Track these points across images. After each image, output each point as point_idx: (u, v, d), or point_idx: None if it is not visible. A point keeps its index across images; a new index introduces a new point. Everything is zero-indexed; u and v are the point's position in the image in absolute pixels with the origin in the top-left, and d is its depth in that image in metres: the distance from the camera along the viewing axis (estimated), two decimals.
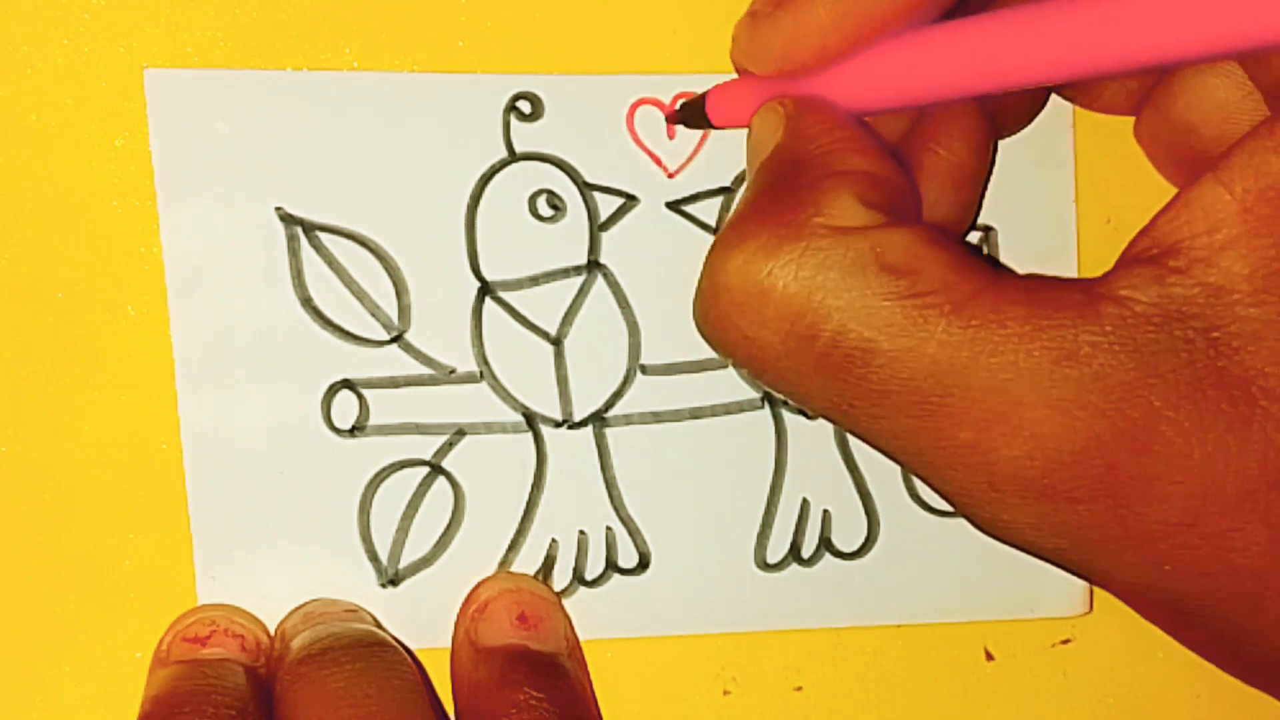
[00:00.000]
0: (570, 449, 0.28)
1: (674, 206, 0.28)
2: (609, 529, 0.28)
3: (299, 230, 0.27)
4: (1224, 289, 0.19)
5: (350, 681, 0.24)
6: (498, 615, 0.27)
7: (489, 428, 0.28)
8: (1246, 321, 0.19)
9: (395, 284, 0.27)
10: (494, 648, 0.26)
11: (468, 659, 0.26)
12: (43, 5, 0.26)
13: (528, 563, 0.28)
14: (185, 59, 0.26)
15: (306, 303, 0.27)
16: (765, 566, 0.29)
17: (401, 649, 0.26)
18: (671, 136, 0.28)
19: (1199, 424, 0.19)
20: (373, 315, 0.27)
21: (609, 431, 0.28)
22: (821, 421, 0.29)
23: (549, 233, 0.28)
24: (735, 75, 0.26)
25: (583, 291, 0.28)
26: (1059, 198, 0.29)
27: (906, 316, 0.21)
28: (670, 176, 0.28)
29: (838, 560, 0.29)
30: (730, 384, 0.28)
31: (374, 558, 0.28)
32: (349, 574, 0.28)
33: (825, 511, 0.29)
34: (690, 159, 0.28)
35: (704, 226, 0.28)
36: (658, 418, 0.28)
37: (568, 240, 0.28)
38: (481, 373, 0.28)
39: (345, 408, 0.27)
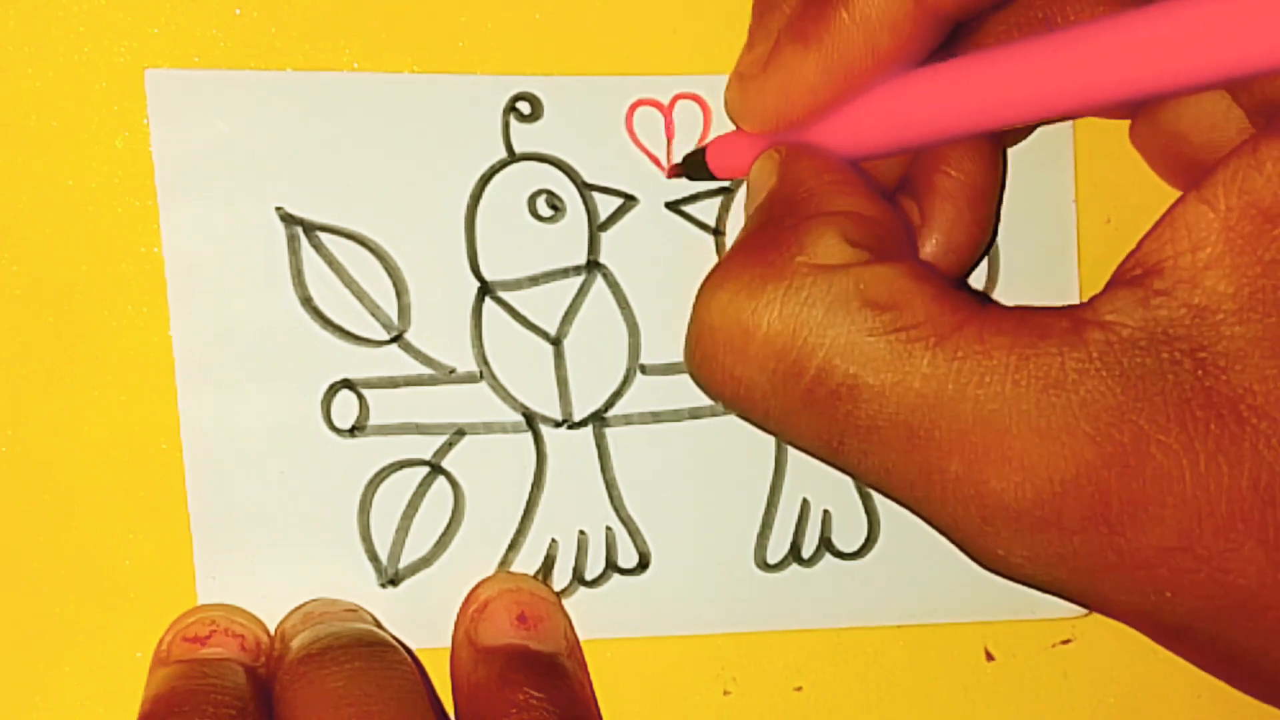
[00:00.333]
0: (570, 449, 0.28)
1: (673, 207, 0.28)
2: (609, 529, 0.28)
3: (299, 230, 0.27)
4: (1208, 309, 0.19)
5: (350, 681, 0.24)
6: (497, 615, 0.27)
7: (489, 428, 0.28)
8: (1232, 340, 0.19)
9: (395, 284, 0.27)
10: (494, 648, 0.26)
11: (467, 659, 0.26)
12: (43, 5, 0.26)
13: (528, 563, 0.28)
14: (185, 59, 0.26)
15: (306, 302, 0.27)
16: (765, 566, 0.29)
17: (401, 649, 0.26)
18: (670, 177, 0.28)
19: (1188, 445, 0.19)
20: (373, 315, 0.27)
21: (609, 431, 0.28)
22: None
23: (549, 233, 0.28)
24: (734, 75, 0.26)
25: (582, 291, 0.28)
26: (1059, 198, 0.29)
27: (891, 350, 0.21)
28: (670, 177, 0.28)
29: (838, 560, 0.29)
30: None
31: (374, 558, 0.28)
32: (349, 574, 0.28)
33: (825, 512, 0.29)
34: None
35: (703, 227, 0.28)
36: (657, 418, 0.28)
37: (567, 240, 0.28)
38: (481, 373, 0.28)
39: (345, 408, 0.27)
